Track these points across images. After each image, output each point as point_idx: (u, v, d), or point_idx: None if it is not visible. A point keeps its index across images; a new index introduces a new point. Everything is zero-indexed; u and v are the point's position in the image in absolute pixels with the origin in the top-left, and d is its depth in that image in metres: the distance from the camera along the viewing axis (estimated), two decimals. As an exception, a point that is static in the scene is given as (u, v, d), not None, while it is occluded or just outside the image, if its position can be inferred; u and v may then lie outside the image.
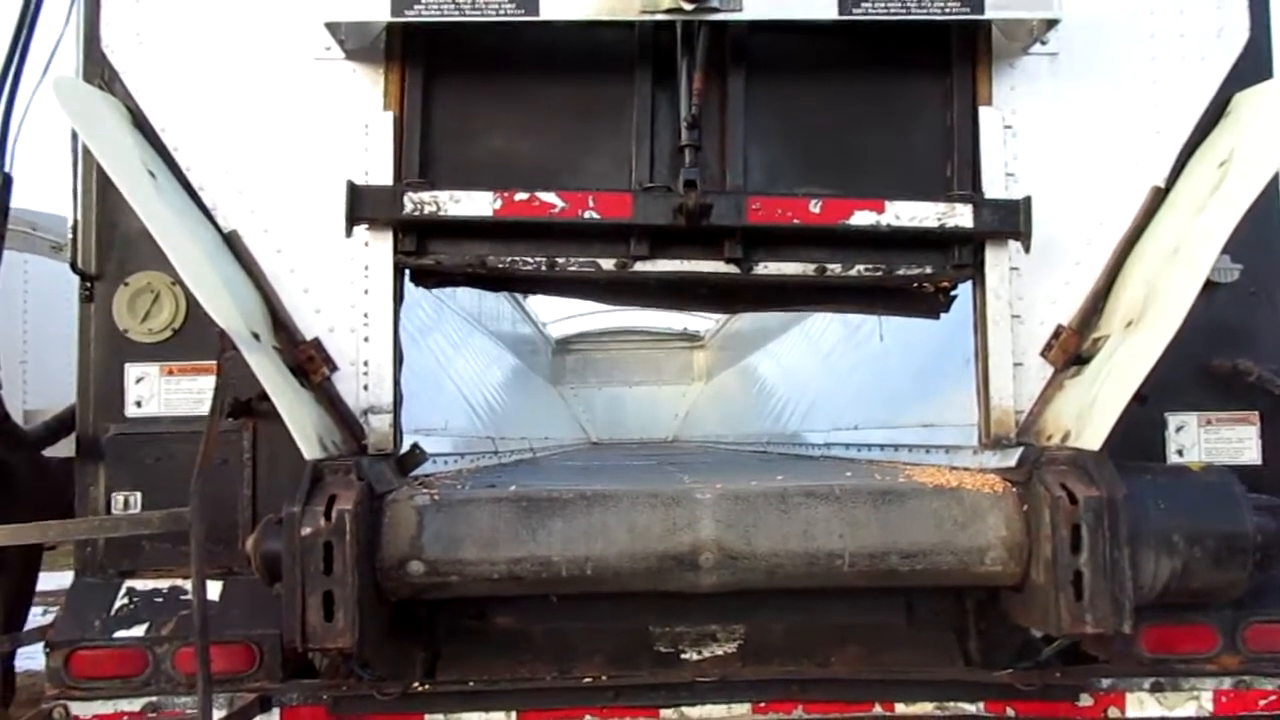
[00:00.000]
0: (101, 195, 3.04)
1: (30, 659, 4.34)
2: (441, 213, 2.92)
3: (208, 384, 2.97)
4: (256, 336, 2.78)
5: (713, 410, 13.11)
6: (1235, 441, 3.06)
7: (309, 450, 2.63)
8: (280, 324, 2.96)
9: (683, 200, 2.88)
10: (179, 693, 2.84)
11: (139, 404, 3.03)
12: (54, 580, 4.88)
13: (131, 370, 3.03)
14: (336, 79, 3.04)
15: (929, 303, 3.33)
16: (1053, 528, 2.51)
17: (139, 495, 2.99)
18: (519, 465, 5.44)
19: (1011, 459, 2.77)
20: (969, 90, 3.07)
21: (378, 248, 3.00)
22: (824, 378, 6.85)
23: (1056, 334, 3.02)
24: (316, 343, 2.96)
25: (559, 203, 2.94)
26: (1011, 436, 2.95)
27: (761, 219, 2.97)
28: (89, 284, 3.05)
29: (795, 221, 2.97)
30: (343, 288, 3.00)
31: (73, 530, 2.80)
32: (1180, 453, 3.05)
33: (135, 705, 2.84)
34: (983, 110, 3.07)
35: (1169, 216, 2.90)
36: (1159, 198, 3.01)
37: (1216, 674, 2.89)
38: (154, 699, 2.84)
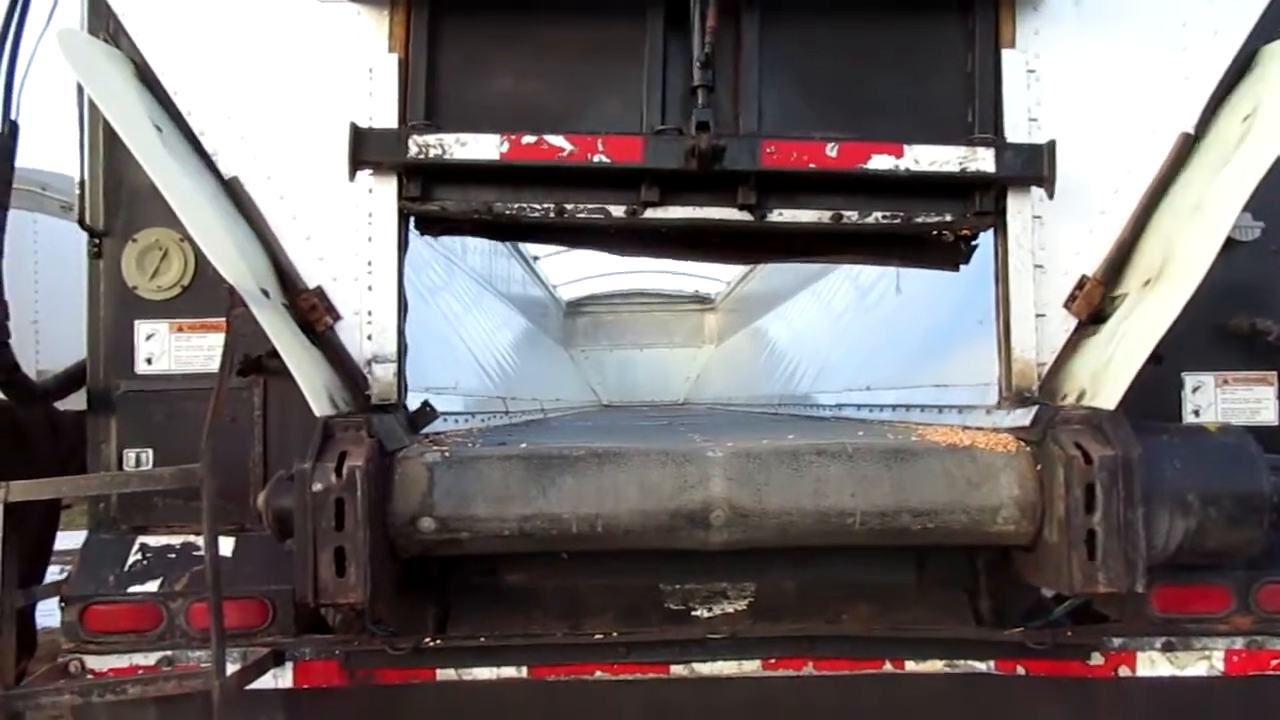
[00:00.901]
0: (108, 151, 3.02)
1: (48, 615, 4.40)
2: (447, 156, 2.86)
3: (218, 341, 2.96)
4: (265, 293, 2.76)
5: (724, 372, 13.10)
6: (1252, 401, 3.03)
7: (319, 407, 2.63)
8: (283, 272, 2.91)
9: (694, 142, 2.81)
10: (193, 647, 2.87)
11: (149, 361, 3.03)
12: (69, 539, 4.93)
13: (141, 327, 3.03)
14: (341, 21, 2.97)
15: (949, 253, 3.25)
16: (1067, 487, 2.49)
17: (151, 452, 3.00)
18: (530, 425, 5.44)
19: (1026, 418, 2.75)
20: (991, 33, 2.99)
21: (382, 194, 2.93)
22: (835, 339, 6.82)
23: (1080, 285, 2.93)
24: (319, 291, 2.91)
25: (567, 146, 2.87)
26: (1034, 389, 2.88)
27: (776, 163, 2.88)
28: (97, 241, 3.04)
29: (811, 166, 2.89)
30: (346, 235, 2.94)
31: (84, 486, 2.82)
32: (1197, 413, 3.03)
33: (150, 659, 2.87)
34: (1005, 53, 2.98)
35: (1192, 172, 2.85)
36: (1188, 145, 2.92)
37: (1229, 634, 2.88)
38: (169, 653, 2.88)
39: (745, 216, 2.98)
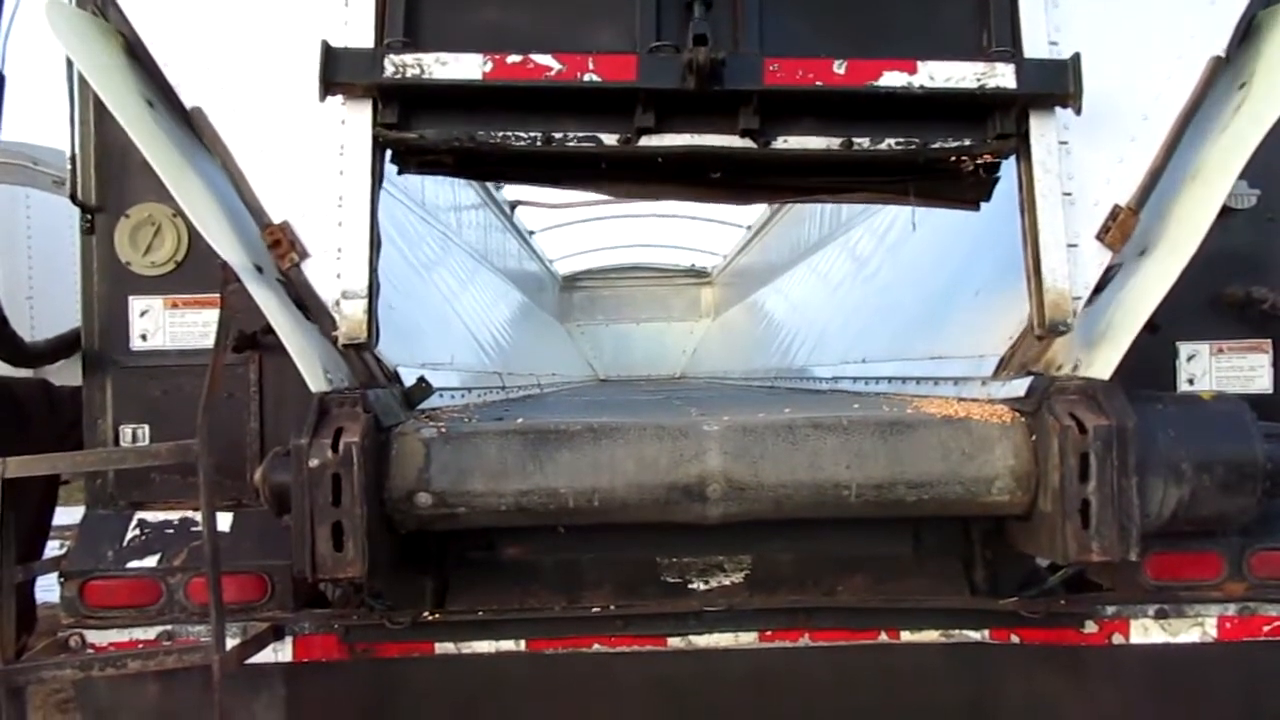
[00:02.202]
0: (99, 125, 3.00)
1: (47, 590, 4.42)
2: (426, 75, 2.66)
3: (212, 317, 2.95)
4: (260, 269, 2.75)
5: (721, 346, 13.11)
6: (1247, 370, 3.04)
7: (315, 383, 2.62)
8: (248, 207, 2.78)
9: (691, 56, 2.60)
10: (192, 622, 2.88)
11: (144, 337, 3.03)
12: (67, 515, 4.95)
13: (135, 303, 3.03)
14: None
15: (970, 187, 3.05)
16: (1061, 457, 2.50)
17: (147, 428, 3.01)
18: (526, 400, 5.44)
19: (1021, 389, 2.75)
20: None
21: (355, 123, 2.72)
22: (832, 311, 6.82)
23: (1114, 215, 2.75)
24: (285, 226, 2.75)
25: (555, 65, 2.68)
26: (1070, 322, 2.68)
27: (780, 81, 2.69)
28: (89, 216, 3.03)
29: (818, 84, 2.69)
30: (317, 170, 2.76)
31: (81, 462, 2.83)
32: (1191, 381, 3.04)
33: (150, 634, 2.89)
34: None
35: (1189, 140, 2.83)
36: (1219, 68, 2.80)
37: (1221, 600, 2.91)
38: (168, 628, 2.89)
39: (748, 144, 2.79)
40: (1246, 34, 2.88)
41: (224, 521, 2.89)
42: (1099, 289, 2.80)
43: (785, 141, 2.82)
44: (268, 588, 2.91)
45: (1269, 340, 3.03)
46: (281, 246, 2.74)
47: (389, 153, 2.83)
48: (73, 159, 3.01)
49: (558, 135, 2.79)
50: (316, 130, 2.76)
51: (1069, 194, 2.76)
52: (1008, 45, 2.75)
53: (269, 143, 2.79)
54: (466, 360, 5.12)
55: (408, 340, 3.94)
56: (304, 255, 2.75)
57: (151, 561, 2.90)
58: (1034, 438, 2.61)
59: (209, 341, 2.92)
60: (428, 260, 6.11)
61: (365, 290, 2.70)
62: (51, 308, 5.54)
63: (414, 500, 2.60)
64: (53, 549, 4.31)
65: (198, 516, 2.85)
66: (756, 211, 12.15)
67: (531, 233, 12.75)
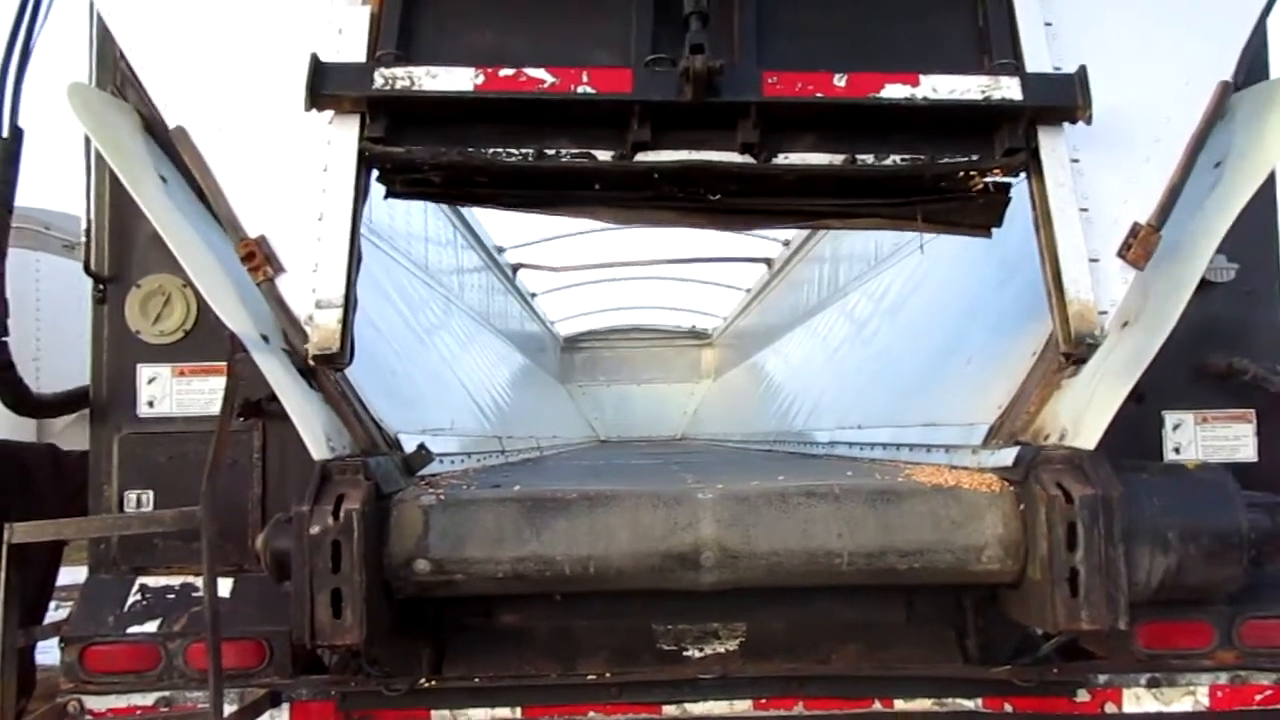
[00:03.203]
0: (114, 199, 3.10)
1: (44, 653, 4.42)
2: (416, 87, 2.61)
3: (218, 384, 3.04)
4: (266, 339, 2.83)
5: (721, 408, 13.17)
6: (1232, 439, 3.08)
7: (317, 450, 2.68)
8: (224, 222, 2.75)
9: (688, 64, 2.53)
10: (191, 688, 2.89)
11: (151, 404, 3.09)
12: (67, 575, 4.96)
13: (144, 371, 3.09)
14: None
15: (979, 208, 2.92)
16: (1049, 526, 2.54)
17: (151, 494, 3.05)
18: (525, 464, 5.49)
19: (1009, 458, 2.80)
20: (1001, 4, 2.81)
21: (341, 139, 2.66)
22: (829, 375, 6.90)
23: (1134, 232, 2.70)
24: (261, 240, 2.70)
25: (549, 78, 2.62)
26: (1098, 334, 2.60)
27: (780, 93, 2.63)
28: (102, 286, 3.11)
29: (818, 95, 2.64)
30: (299, 187, 2.72)
31: (87, 528, 2.87)
32: (1178, 450, 3.08)
33: (148, 699, 2.89)
34: (1018, 4, 2.82)
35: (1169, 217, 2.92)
36: (1228, 93, 2.83)
37: (1213, 669, 2.91)
38: (166, 693, 2.90)
39: (747, 159, 2.71)
40: (1222, 115, 2.99)
41: (224, 587, 2.92)
42: (1081, 360, 2.87)
43: (786, 158, 2.74)
44: (266, 654, 2.92)
45: (1252, 410, 3.08)
46: (256, 259, 2.70)
47: (375, 173, 2.79)
48: (87, 231, 3.11)
49: (550, 152, 2.72)
50: (302, 148, 2.74)
51: (1085, 210, 2.71)
52: (1010, 60, 2.74)
53: (252, 161, 2.78)
54: (467, 424, 5.18)
55: (409, 406, 4.01)
56: (279, 270, 2.71)
57: (152, 627, 2.93)
58: (1022, 507, 2.66)
59: (214, 408, 2.98)
60: (430, 324, 6.21)
61: (341, 301, 2.63)
62: (58, 371, 5.62)
63: (412, 567, 2.63)
64: (50, 610, 4.33)
65: (199, 582, 2.89)
66: (756, 274, 12.32)
67: (534, 295, 12.90)
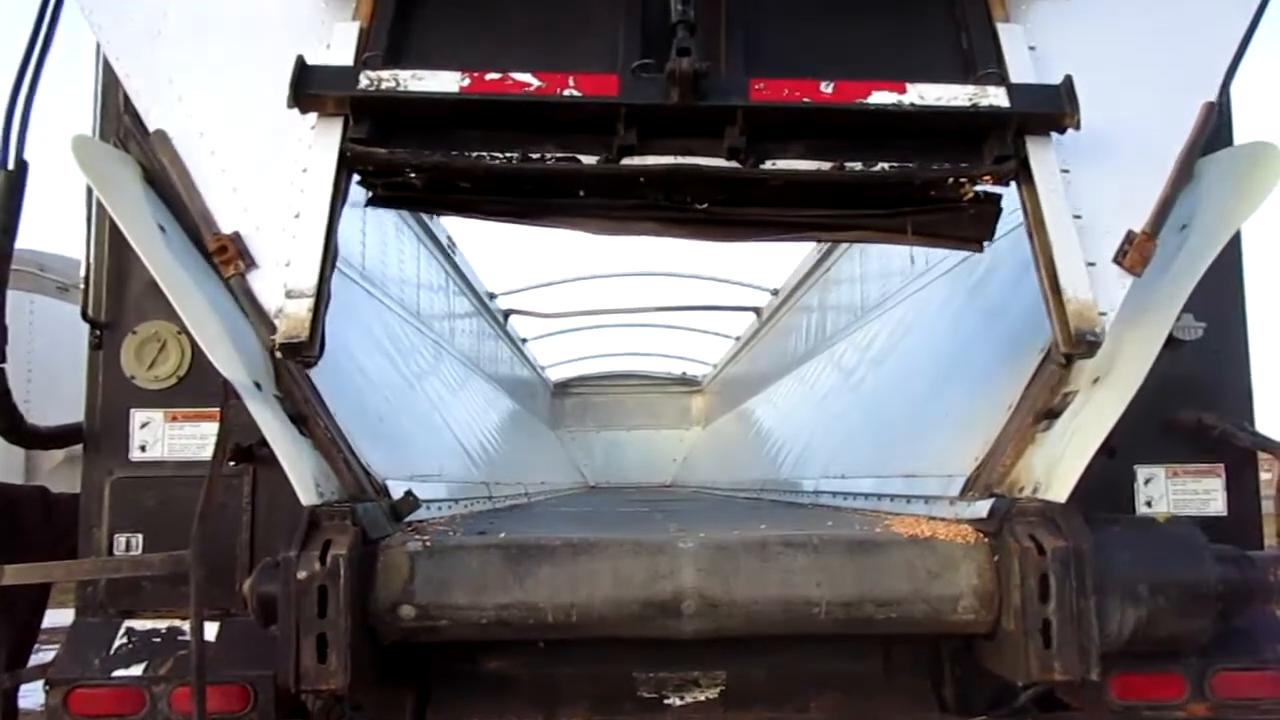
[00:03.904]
0: (113, 247, 3.17)
1: (26, 697, 4.41)
2: (401, 88, 2.62)
3: (210, 429, 3.08)
4: (258, 385, 2.89)
5: (709, 455, 13.19)
6: (1202, 493, 3.15)
7: (306, 496, 2.72)
8: (199, 218, 2.78)
9: (674, 66, 2.53)
10: (175, 731, 2.91)
11: (143, 448, 3.13)
12: (52, 618, 4.96)
13: (137, 415, 3.14)
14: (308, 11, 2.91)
15: (970, 220, 2.92)
16: (1022, 577, 2.59)
17: (140, 537, 3.08)
18: (512, 510, 5.52)
19: (984, 510, 2.86)
20: (982, 9, 2.89)
21: (323, 141, 2.68)
22: (816, 424, 6.96)
23: (1129, 239, 2.74)
24: (235, 236, 2.74)
25: (535, 82, 2.62)
26: (1098, 332, 2.60)
27: (766, 98, 2.64)
28: (98, 332, 3.17)
29: (805, 100, 2.65)
30: (276, 189, 2.74)
31: (76, 571, 2.91)
32: (1150, 503, 3.14)
33: None
34: (1001, 27, 2.88)
35: (1137, 279, 3.01)
36: (1212, 114, 2.90)
37: (1185, 720, 2.96)
38: (151, 737, 2.91)
39: (734, 165, 2.71)
40: (1190, 175, 3.10)
41: (210, 631, 2.94)
42: (1054, 415, 2.95)
43: (773, 164, 2.73)
44: (251, 698, 2.93)
45: (1222, 465, 3.15)
46: (227, 253, 2.72)
47: (356, 177, 2.80)
48: (86, 278, 3.18)
49: (535, 156, 2.70)
50: (283, 153, 2.78)
51: (1079, 217, 2.73)
52: (995, 71, 2.78)
53: (231, 165, 2.82)
54: (455, 470, 5.22)
55: (397, 452, 4.06)
56: (251, 265, 2.72)
57: (138, 670, 2.94)
58: (996, 558, 2.71)
59: (205, 454, 3.03)
60: (421, 370, 6.27)
61: (313, 291, 2.59)
62: (47, 414, 5.65)
63: (398, 612, 2.67)
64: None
65: (185, 625, 2.92)
66: (745, 322, 12.43)
67: (525, 340, 12.98)
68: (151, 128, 2.87)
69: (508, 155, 2.70)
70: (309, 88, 2.65)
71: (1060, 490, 2.70)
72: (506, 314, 11.45)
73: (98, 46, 3.20)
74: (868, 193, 2.87)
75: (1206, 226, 2.92)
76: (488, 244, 9.82)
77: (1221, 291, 3.14)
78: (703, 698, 3.05)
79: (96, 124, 3.20)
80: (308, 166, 2.71)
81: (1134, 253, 2.74)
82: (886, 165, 2.73)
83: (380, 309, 5.69)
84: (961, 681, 3.06)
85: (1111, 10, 3.00)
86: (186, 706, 2.81)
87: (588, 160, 2.72)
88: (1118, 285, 2.73)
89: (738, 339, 13.08)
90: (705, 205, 2.89)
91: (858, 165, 2.73)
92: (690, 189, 2.85)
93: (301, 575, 2.53)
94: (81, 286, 3.18)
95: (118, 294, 3.18)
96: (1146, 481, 3.15)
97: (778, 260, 10.45)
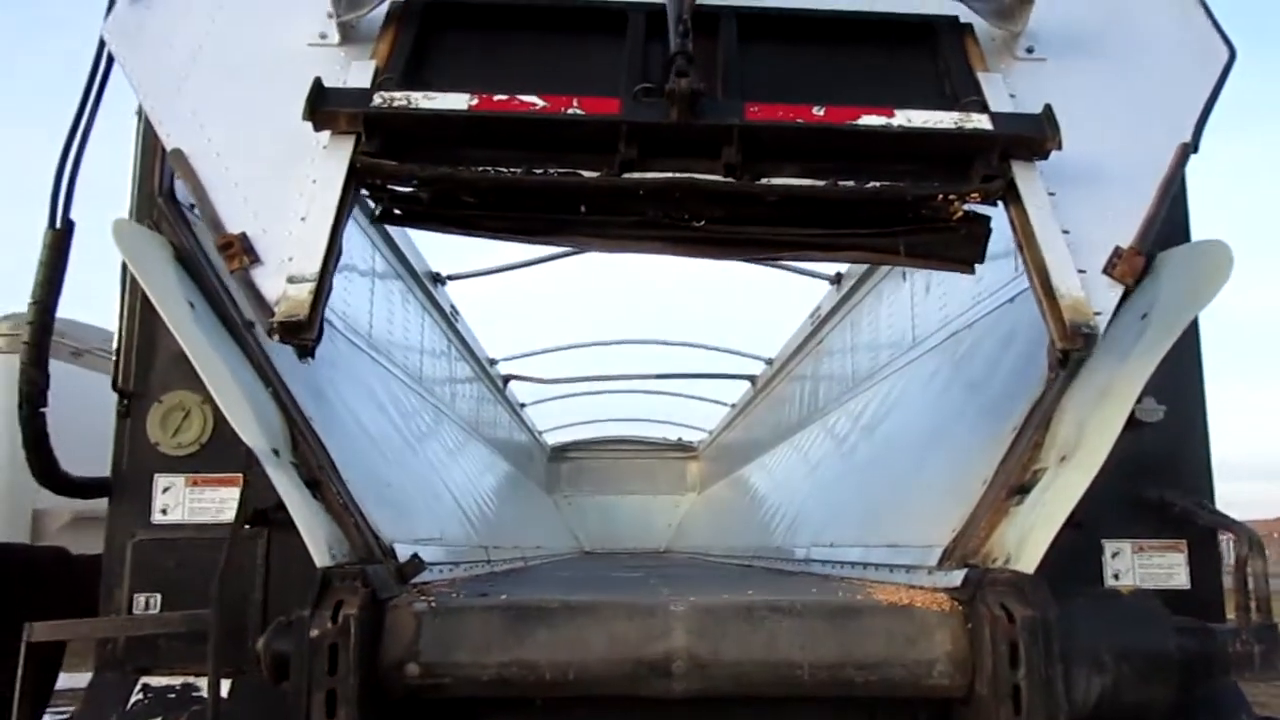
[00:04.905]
0: (142, 321, 3.39)
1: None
2: (412, 106, 2.79)
3: (228, 494, 3.27)
4: (277, 453, 3.08)
5: (704, 521, 13.26)
6: (1166, 567, 3.31)
7: (320, 558, 2.88)
8: (210, 221, 2.88)
9: (674, 86, 2.68)
10: (189, 785, 3.03)
11: (164, 511, 3.30)
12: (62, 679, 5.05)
13: (160, 480, 3.32)
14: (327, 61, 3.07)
15: (960, 241, 3.03)
16: (993, 644, 2.74)
17: (159, 596, 3.23)
18: (510, 574, 5.66)
19: (958, 579, 3.03)
20: (962, 60, 3.10)
21: (334, 157, 2.81)
22: (807, 493, 7.12)
23: (1117, 253, 2.87)
24: (242, 236, 2.82)
25: (540, 102, 2.79)
26: (1094, 324, 2.69)
27: (761, 118, 2.80)
28: (126, 400, 3.36)
29: (799, 121, 2.82)
30: (287, 201, 2.85)
31: (102, 629, 3.06)
32: (1117, 576, 3.30)
33: None
34: (982, 75, 3.06)
35: (1100, 365, 3.23)
36: (1185, 154, 3.08)
37: (1151, 788, 3.08)
38: (165, 791, 3.03)
39: (730, 180, 2.86)
40: (1147, 270, 3.33)
41: (223, 689, 3.07)
42: (1025, 490, 3.13)
43: (769, 183, 2.86)
44: None
45: (1184, 540, 3.32)
46: (233, 249, 2.79)
47: (364, 192, 2.93)
48: (117, 350, 3.38)
49: (539, 172, 2.84)
50: (294, 167, 2.88)
51: (1067, 232, 2.84)
52: (978, 99, 2.95)
53: (245, 181, 2.92)
54: (455, 534, 5.37)
55: (402, 516, 4.22)
56: (256, 261, 2.79)
57: (153, 725, 3.09)
58: (970, 625, 2.86)
59: (223, 517, 3.23)
60: (423, 435, 6.45)
61: (315, 277, 2.66)
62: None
63: (404, 670, 2.81)
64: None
65: (199, 682, 3.07)
66: (740, 389, 12.63)
67: (523, 405, 13.16)
68: (169, 147, 2.99)
69: (512, 170, 2.84)
70: (325, 104, 2.80)
71: (1029, 562, 2.87)
72: (506, 379, 11.65)
73: (136, 131, 3.47)
74: (861, 212, 3.00)
75: (1164, 316, 3.13)
76: (489, 311, 10.08)
77: (1182, 376, 3.35)
78: None
79: (133, 204, 3.43)
80: (317, 178, 2.84)
81: (1123, 265, 2.86)
82: (878, 184, 2.88)
83: (385, 376, 5.90)
84: None
85: (1087, 68, 3.20)
86: (199, 760, 2.94)
87: (590, 175, 2.85)
88: (1108, 292, 2.83)
89: (733, 406, 13.27)
90: (703, 223, 3.00)
91: (850, 184, 2.88)
92: (689, 204, 2.97)
93: (314, 633, 2.68)
94: (113, 359, 3.37)
95: (145, 365, 3.38)
96: (1114, 555, 3.32)
97: (773, 330, 10.72)
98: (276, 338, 2.66)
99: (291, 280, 2.67)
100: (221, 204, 2.90)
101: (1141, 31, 3.30)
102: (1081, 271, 2.81)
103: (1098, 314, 2.73)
